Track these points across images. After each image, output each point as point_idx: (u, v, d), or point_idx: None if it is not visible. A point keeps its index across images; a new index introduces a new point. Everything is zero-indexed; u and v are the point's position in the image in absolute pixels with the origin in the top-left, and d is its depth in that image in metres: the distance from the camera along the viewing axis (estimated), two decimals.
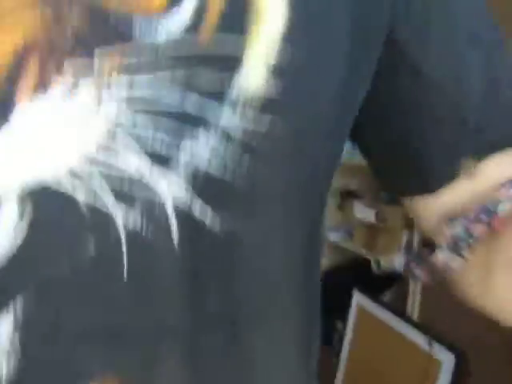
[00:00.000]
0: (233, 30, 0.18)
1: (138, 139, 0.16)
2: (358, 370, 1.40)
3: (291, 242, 0.23)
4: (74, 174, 0.16)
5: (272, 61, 0.18)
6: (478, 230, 0.24)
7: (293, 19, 0.19)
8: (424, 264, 0.26)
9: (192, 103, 0.17)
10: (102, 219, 0.16)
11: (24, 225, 0.16)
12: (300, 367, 0.27)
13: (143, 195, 0.17)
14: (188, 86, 0.17)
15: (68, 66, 0.16)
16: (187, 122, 0.17)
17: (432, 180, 0.26)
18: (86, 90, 0.16)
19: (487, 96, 0.25)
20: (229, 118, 0.18)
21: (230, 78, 0.18)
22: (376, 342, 1.30)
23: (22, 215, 0.16)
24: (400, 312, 1.22)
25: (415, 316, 1.24)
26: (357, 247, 1.54)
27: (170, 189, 0.17)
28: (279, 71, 0.19)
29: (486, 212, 0.24)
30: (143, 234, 0.17)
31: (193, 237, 0.18)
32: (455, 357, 0.98)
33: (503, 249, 0.24)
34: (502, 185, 0.24)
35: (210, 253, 0.19)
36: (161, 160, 0.17)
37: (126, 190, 0.17)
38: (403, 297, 1.24)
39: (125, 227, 0.17)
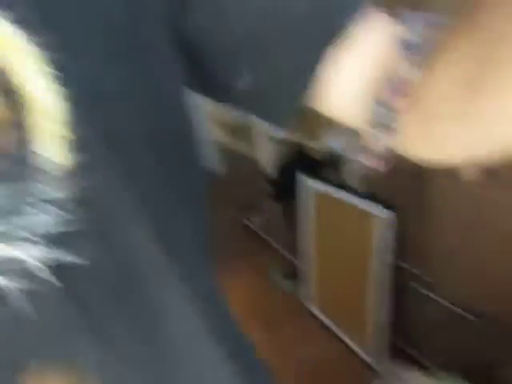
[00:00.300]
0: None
1: None
2: (321, 242, 1.63)
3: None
4: None
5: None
6: (395, 103, 0.24)
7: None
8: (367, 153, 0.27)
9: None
10: None
11: None
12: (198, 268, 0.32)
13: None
14: None
15: None
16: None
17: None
18: None
19: None
20: (49, 193, 0.20)
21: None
22: (329, 213, 1.52)
23: None
24: (345, 185, 1.40)
25: (356, 185, 1.42)
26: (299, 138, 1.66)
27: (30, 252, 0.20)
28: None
29: (393, 85, 0.24)
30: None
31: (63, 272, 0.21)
32: (392, 212, 1.17)
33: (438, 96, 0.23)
34: (397, 49, 0.23)
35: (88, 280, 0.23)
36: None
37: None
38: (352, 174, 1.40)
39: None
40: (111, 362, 0.25)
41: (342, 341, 1.66)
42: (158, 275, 0.27)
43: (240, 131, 2.32)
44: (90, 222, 0.21)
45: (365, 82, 0.25)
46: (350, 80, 0.26)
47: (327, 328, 1.74)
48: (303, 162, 1.72)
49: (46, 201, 0.20)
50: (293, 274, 1.99)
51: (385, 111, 0.24)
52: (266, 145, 1.92)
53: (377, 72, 0.24)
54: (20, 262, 0.20)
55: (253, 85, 0.28)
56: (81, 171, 0.21)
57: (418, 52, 0.23)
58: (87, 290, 0.23)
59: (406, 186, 1.21)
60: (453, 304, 1.19)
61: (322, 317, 1.78)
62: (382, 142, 0.25)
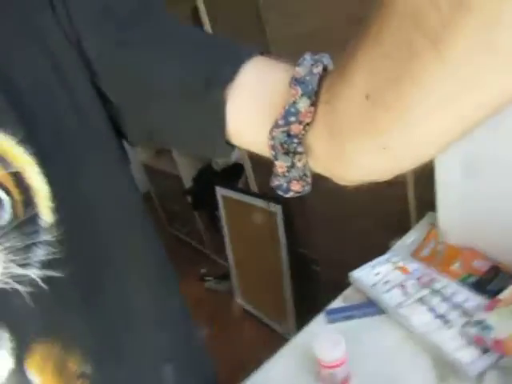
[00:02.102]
0: None
1: None
2: (235, 240, 1.88)
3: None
4: None
5: None
6: (295, 129, 0.25)
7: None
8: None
9: None
10: None
11: None
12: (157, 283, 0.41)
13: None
14: None
15: None
16: None
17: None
18: None
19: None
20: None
21: None
22: (239, 215, 1.75)
23: None
24: (246, 190, 1.68)
25: (255, 189, 1.71)
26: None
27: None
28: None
29: (290, 115, 0.25)
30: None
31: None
32: (282, 207, 1.46)
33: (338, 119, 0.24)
34: (290, 85, 0.25)
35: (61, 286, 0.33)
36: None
37: None
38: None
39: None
40: (88, 335, 0.36)
41: (265, 323, 1.93)
42: (121, 281, 0.38)
43: (162, 151, 2.55)
44: (65, 252, 0.32)
45: (263, 115, 0.27)
46: (250, 115, 0.28)
47: (252, 315, 2.00)
48: (214, 173, 1.99)
49: (40, 241, 0.32)
50: (224, 275, 2.20)
51: (287, 138, 0.25)
52: (184, 162, 2.17)
53: (274, 105, 0.26)
54: (27, 277, 0.31)
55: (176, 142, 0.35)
56: (58, 224, 0.32)
57: (306, 85, 0.24)
58: (66, 291, 0.34)
59: None
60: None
61: (247, 307, 2.04)
62: (295, 165, 0.27)
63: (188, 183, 2.20)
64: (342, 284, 0.81)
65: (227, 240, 1.99)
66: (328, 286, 1.58)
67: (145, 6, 0.32)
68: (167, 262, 0.46)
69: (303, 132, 0.25)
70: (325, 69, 0.25)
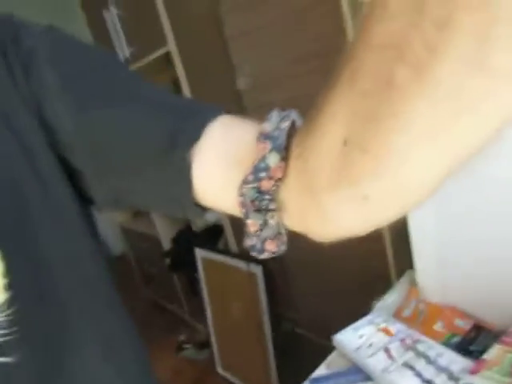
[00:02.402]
0: None
1: None
2: (215, 303, 1.81)
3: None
4: None
5: None
6: (266, 185, 0.24)
7: None
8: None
9: None
10: None
11: None
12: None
13: None
14: None
15: None
16: None
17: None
18: None
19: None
20: None
21: None
22: (219, 277, 1.70)
23: None
24: (226, 251, 1.65)
25: (236, 249, 1.69)
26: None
27: None
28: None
29: (260, 170, 0.24)
30: None
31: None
32: (262, 267, 1.44)
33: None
34: (258, 140, 0.25)
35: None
36: None
37: None
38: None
39: None
40: None
41: None
42: (82, 362, 0.34)
43: (139, 213, 2.53)
44: (18, 333, 0.29)
45: (231, 173, 0.26)
46: (217, 173, 0.28)
47: None
48: (193, 234, 1.97)
49: None
50: (203, 342, 2.08)
51: (258, 195, 0.25)
52: (163, 223, 2.15)
53: (242, 162, 0.25)
54: None
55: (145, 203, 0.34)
56: (10, 302, 0.29)
57: (275, 140, 0.24)
58: (17, 379, 0.30)
59: None
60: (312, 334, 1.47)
61: (228, 377, 1.91)
62: (267, 223, 0.26)
63: (166, 245, 2.15)
64: (326, 346, 0.77)
65: (207, 303, 1.92)
66: (311, 349, 1.52)
67: (107, 66, 0.32)
68: (138, 341, 0.41)
69: (274, 188, 0.25)
70: (292, 124, 0.25)
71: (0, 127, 0.30)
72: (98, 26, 1.81)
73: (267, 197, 0.25)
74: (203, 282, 1.89)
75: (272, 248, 0.28)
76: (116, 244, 3.11)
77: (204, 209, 0.30)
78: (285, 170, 0.24)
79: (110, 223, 2.84)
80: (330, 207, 0.22)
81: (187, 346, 2.15)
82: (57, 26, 0.33)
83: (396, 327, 0.72)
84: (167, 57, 1.52)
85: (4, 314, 0.29)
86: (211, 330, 1.92)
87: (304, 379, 0.72)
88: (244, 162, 0.25)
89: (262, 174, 0.24)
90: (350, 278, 1.27)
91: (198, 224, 1.75)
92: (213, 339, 1.93)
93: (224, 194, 0.27)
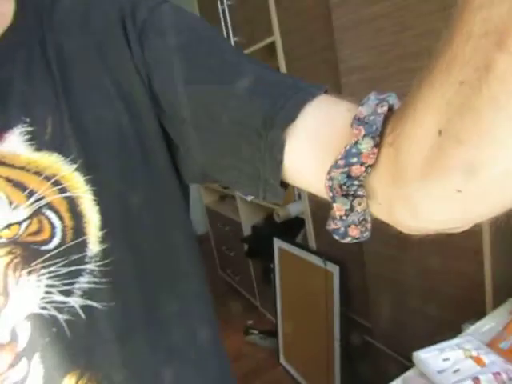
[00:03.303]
0: None
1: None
2: (286, 295, 1.83)
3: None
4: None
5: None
6: (356, 171, 0.24)
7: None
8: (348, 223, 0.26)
9: None
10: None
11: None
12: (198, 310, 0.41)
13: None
14: None
15: None
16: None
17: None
18: None
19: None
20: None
21: None
22: (294, 270, 1.71)
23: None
24: (304, 245, 1.65)
25: (314, 245, 1.67)
26: (268, 203, 1.94)
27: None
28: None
29: (352, 155, 0.23)
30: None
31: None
32: (340, 268, 1.41)
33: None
34: (352, 125, 0.24)
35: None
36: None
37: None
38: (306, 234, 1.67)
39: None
40: (118, 374, 0.34)
41: None
42: (162, 324, 0.37)
43: (226, 196, 2.63)
44: (108, 284, 0.32)
45: (323, 155, 0.26)
46: (308, 155, 0.27)
47: (295, 380, 1.88)
48: (274, 224, 1.99)
49: (84, 270, 0.32)
50: (270, 331, 2.11)
51: (346, 180, 0.24)
52: (246, 210, 2.21)
53: (335, 146, 0.25)
54: (67, 304, 0.32)
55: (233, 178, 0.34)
56: (104, 254, 0.32)
57: (370, 126, 0.23)
58: (103, 324, 0.33)
59: (348, 246, 1.46)
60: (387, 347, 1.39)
61: (290, 370, 1.92)
62: (354, 209, 0.25)
63: (247, 231, 2.21)
64: (398, 361, 0.73)
65: (278, 294, 1.93)
66: (381, 361, 1.45)
67: (214, 39, 0.33)
68: (210, 300, 0.45)
69: (364, 174, 0.24)
70: (390, 109, 0.24)
71: (113, 95, 0.32)
72: (209, 14, 1.90)
73: (356, 183, 0.24)
74: (277, 273, 1.91)
75: (355, 234, 0.27)
76: (200, 224, 3.29)
77: (284, 191, 0.31)
78: (377, 157, 0.24)
79: (197, 203, 3.01)
80: (419, 199, 0.22)
81: (254, 331, 2.20)
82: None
83: (490, 358, 0.65)
84: (272, 47, 1.54)
85: (98, 265, 0.32)
86: (279, 320, 1.94)
87: None
88: (336, 146, 0.25)
89: (353, 160, 0.24)
90: (434, 295, 1.18)
91: (281, 215, 1.76)
92: (280, 330, 1.94)
93: (313, 176, 0.27)
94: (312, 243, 1.69)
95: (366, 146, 0.23)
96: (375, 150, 0.23)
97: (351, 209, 0.25)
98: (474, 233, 0.98)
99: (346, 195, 0.25)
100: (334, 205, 0.26)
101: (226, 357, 0.47)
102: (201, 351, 0.41)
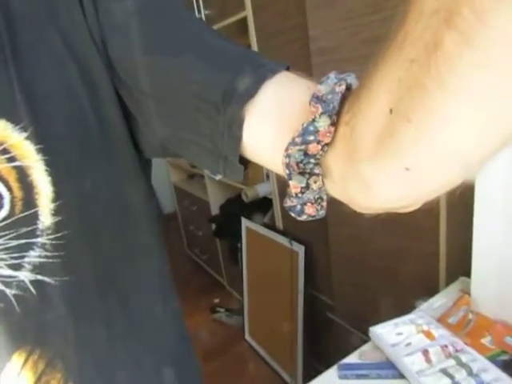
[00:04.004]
0: None
1: None
2: (253, 274, 1.85)
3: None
4: None
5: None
6: (312, 149, 0.24)
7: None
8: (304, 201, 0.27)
9: None
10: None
11: None
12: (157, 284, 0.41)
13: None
14: None
15: None
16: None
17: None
18: None
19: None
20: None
21: None
22: (260, 250, 1.73)
23: None
24: (271, 225, 1.67)
25: (281, 226, 1.69)
26: (236, 182, 1.94)
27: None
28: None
29: (309, 133, 0.23)
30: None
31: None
32: (305, 248, 1.44)
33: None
34: (310, 103, 0.24)
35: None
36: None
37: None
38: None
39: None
40: (71, 350, 0.34)
41: (271, 367, 1.85)
42: (119, 297, 0.36)
43: (194, 175, 2.61)
44: (61, 258, 0.31)
45: (281, 132, 0.26)
46: (267, 132, 0.27)
47: (259, 355, 1.93)
48: (242, 204, 1.99)
49: (35, 243, 0.30)
50: (236, 309, 2.15)
51: (303, 157, 0.24)
52: (214, 189, 2.20)
53: (293, 123, 0.25)
54: (16, 278, 0.30)
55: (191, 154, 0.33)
56: (57, 227, 0.31)
57: (327, 104, 0.23)
58: (54, 299, 0.32)
59: (313, 227, 1.51)
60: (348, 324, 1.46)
61: (255, 345, 1.97)
62: (310, 187, 0.25)
63: (215, 210, 2.21)
64: (357, 336, 0.76)
65: (245, 273, 1.96)
66: (341, 336, 1.51)
67: (174, 8, 0.32)
68: (170, 277, 0.44)
69: (321, 152, 0.24)
70: (348, 88, 0.24)
71: (67, 59, 0.31)
72: None
73: (313, 161, 0.24)
74: (245, 252, 1.93)
75: (311, 212, 0.27)
76: (168, 202, 3.25)
77: (243, 168, 0.30)
78: (334, 135, 0.24)
79: (164, 181, 2.96)
80: (372, 177, 0.22)
81: (221, 309, 2.23)
82: None
83: (439, 332, 0.69)
84: (244, 22, 1.51)
85: (49, 238, 0.30)
86: (246, 299, 1.97)
87: (329, 363, 0.72)
88: (295, 123, 0.25)
89: (310, 138, 0.24)
90: (392, 274, 1.23)
91: (249, 195, 1.77)
92: (245, 308, 1.98)
93: (272, 152, 0.27)
94: (279, 223, 1.71)
95: (323, 124, 0.23)
96: (332, 129, 0.23)
97: (307, 186, 0.26)
98: (431, 214, 1.02)
99: (302, 173, 0.25)
100: (290, 182, 0.26)
101: (188, 337, 0.47)
102: (159, 328, 0.41)
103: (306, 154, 0.24)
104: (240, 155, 0.29)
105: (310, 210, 0.27)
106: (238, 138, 0.28)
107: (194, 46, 0.29)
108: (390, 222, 1.18)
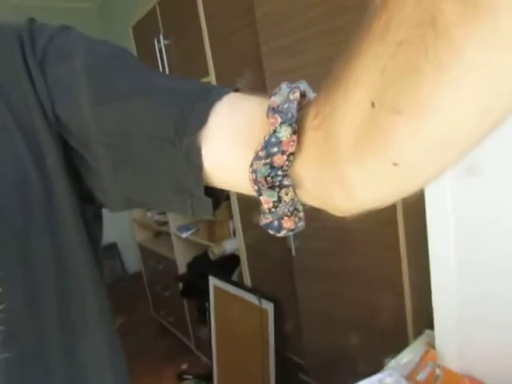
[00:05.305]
0: None
1: None
2: (222, 335, 1.77)
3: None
4: None
5: None
6: (278, 161, 0.23)
7: None
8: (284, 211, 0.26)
9: None
10: None
11: None
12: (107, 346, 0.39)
13: None
14: None
15: None
16: None
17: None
18: None
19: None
20: None
21: None
22: (229, 309, 1.67)
23: None
24: (239, 283, 1.63)
25: (249, 283, 1.66)
26: (203, 240, 1.92)
27: None
28: None
29: (271, 145, 0.23)
30: None
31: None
32: (274, 305, 1.41)
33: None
34: (267, 115, 0.23)
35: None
36: None
37: None
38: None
39: None
40: None
41: None
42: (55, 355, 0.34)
43: (160, 233, 2.55)
44: (3, 333, 0.30)
45: (242, 150, 0.25)
46: (228, 153, 0.27)
47: None
48: (209, 262, 1.95)
49: None
50: (205, 375, 2.00)
51: (270, 170, 0.24)
52: (181, 247, 2.15)
53: (252, 139, 0.25)
54: None
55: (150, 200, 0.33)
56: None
57: (285, 113, 0.23)
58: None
59: (282, 283, 1.49)
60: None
61: None
62: (282, 200, 0.25)
63: (182, 269, 2.15)
64: None
65: (213, 335, 1.87)
66: None
67: (118, 57, 0.32)
68: (119, 349, 0.42)
69: (287, 163, 0.24)
70: (303, 95, 0.24)
71: (13, 129, 0.30)
72: (146, 52, 1.92)
73: (280, 173, 0.24)
74: (213, 312, 1.86)
75: (290, 225, 0.26)
76: (133, 262, 3.13)
77: (211, 203, 0.29)
78: (297, 143, 0.23)
79: (129, 240, 2.87)
80: (354, 178, 0.21)
81: (189, 376, 2.08)
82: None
83: None
84: None
85: None
86: (215, 363, 1.86)
87: None
88: (255, 139, 0.24)
89: (274, 149, 0.23)
90: (363, 331, 1.22)
91: (216, 252, 1.74)
92: (215, 374, 1.86)
93: (238, 173, 0.26)
94: (247, 281, 1.68)
95: (285, 133, 0.23)
96: (294, 137, 0.23)
97: (279, 200, 0.25)
98: (394, 265, 1.04)
99: (271, 187, 0.24)
100: (261, 198, 0.25)
101: None
102: None
103: (272, 166, 0.24)
104: (209, 189, 0.28)
105: (287, 223, 0.26)
106: (198, 168, 0.27)
107: (143, 89, 0.30)
108: (358, 274, 1.19)
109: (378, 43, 0.16)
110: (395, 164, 0.18)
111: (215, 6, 1.45)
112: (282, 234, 0.27)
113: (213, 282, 1.85)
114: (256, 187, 0.25)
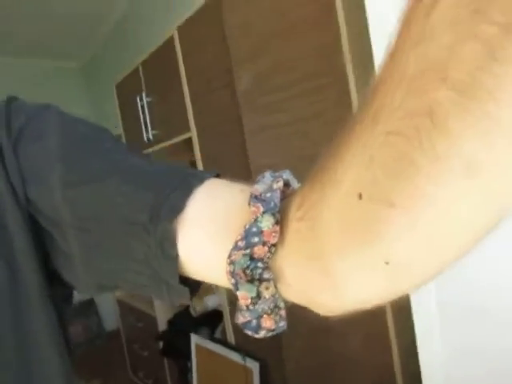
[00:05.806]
0: None
1: None
2: None
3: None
4: None
5: None
6: (259, 252, 0.22)
7: None
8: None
9: None
10: None
11: None
12: None
13: None
14: None
15: None
16: None
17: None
18: None
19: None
20: None
21: None
22: (212, 368, 1.59)
23: None
24: (223, 340, 1.56)
25: (232, 340, 1.59)
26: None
27: None
28: None
29: (252, 235, 0.22)
30: None
31: None
32: (259, 364, 1.35)
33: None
34: (249, 204, 0.22)
35: None
36: None
37: None
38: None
39: None
40: None
41: None
42: None
43: None
44: None
45: (220, 240, 0.24)
46: (204, 242, 0.25)
47: None
48: (191, 318, 1.88)
49: None
50: None
51: (249, 262, 0.22)
52: (161, 303, 2.07)
53: (231, 228, 0.24)
54: None
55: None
56: None
57: (268, 202, 0.22)
58: None
59: (267, 339, 1.43)
60: None
61: None
62: (261, 296, 0.23)
63: (162, 326, 2.05)
64: None
65: None
66: None
67: (94, 139, 0.31)
68: None
69: (269, 255, 0.22)
70: (286, 184, 0.23)
71: None
72: (129, 109, 1.96)
73: (260, 265, 0.22)
74: (195, 373, 1.76)
75: (269, 325, 0.23)
76: (110, 319, 2.98)
77: (187, 290, 0.27)
78: (280, 234, 0.22)
79: (107, 296, 2.75)
80: (341, 274, 0.19)
81: None
82: (56, 104, 0.34)
83: None
84: (189, 142, 1.61)
85: None
86: None
87: None
88: (234, 228, 0.23)
89: (255, 239, 0.22)
90: None
91: (197, 309, 1.68)
92: None
93: (214, 264, 0.25)
94: (231, 338, 1.61)
95: (267, 223, 0.21)
96: (277, 228, 0.22)
97: (258, 296, 0.22)
98: (379, 320, 1.02)
99: (250, 280, 0.22)
100: (238, 293, 0.23)
101: None
102: None
103: (252, 258, 0.22)
104: (184, 276, 0.27)
105: (267, 323, 0.23)
106: (172, 258, 0.25)
107: (118, 170, 0.28)
108: (344, 331, 1.16)
109: (367, 133, 0.16)
110: (387, 261, 0.17)
111: (196, 65, 1.52)
112: (261, 334, 0.24)
113: (194, 340, 1.77)
114: (233, 280, 0.23)
